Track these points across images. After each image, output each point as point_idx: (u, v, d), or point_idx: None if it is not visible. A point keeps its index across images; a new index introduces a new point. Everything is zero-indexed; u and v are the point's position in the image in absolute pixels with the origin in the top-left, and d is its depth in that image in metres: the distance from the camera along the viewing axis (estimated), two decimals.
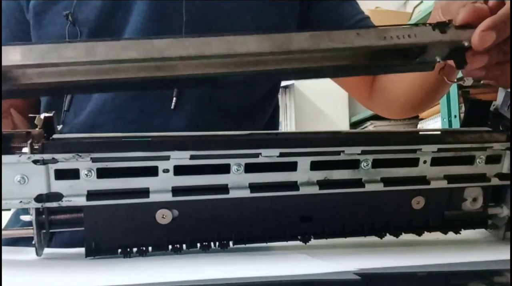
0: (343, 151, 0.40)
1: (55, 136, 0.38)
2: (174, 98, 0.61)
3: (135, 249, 0.40)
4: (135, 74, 0.37)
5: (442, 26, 0.38)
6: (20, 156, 0.35)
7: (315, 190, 0.40)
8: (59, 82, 0.36)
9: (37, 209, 0.38)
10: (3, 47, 0.34)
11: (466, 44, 0.39)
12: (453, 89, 1.58)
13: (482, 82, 0.43)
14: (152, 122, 0.61)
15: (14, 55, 0.33)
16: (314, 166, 0.40)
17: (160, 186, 0.38)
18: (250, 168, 0.39)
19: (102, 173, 0.37)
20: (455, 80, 0.47)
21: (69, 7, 0.61)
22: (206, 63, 0.37)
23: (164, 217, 0.39)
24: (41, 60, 0.33)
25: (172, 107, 0.61)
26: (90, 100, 0.62)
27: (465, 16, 0.39)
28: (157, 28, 0.61)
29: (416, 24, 0.39)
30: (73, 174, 0.37)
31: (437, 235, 0.45)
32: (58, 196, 0.37)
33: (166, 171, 0.38)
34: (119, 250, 0.39)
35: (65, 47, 0.34)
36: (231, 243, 0.41)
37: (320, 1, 0.71)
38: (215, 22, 0.63)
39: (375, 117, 2.21)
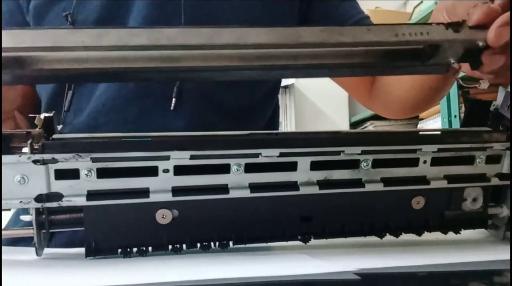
0: (343, 151, 0.40)
1: (55, 136, 0.38)
2: (174, 99, 0.61)
3: (135, 249, 0.39)
4: (144, 64, 0.37)
5: (455, 26, 0.38)
6: (20, 156, 0.35)
7: (315, 190, 0.40)
8: (68, 69, 0.36)
9: (37, 209, 0.38)
10: (15, 31, 0.34)
11: (480, 44, 0.38)
12: (453, 89, 1.58)
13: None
14: (151, 122, 0.61)
15: (26, 38, 0.33)
16: (314, 166, 0.40)
17: (160, 186, 0.38)
18: (250, 168, 0.39)
19: (102, 173, 0.37)
20: (460, 80, 0.46)
21: (68, 7, 0.61)
22: (214, 56, 0.37)
23: (164, 217, 0.39)
24: (53, 43, 0.34)
25: (172, 107, 0.61)
26: (90, 100, 0.62)
27: (480, 16, 0.38)
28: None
29: (428, 24, 0.38)
30: (73, 174, 0.37)
31: (437, 235, 0.45)
32: (58, 196, 0.37)
33: (166, 171, 0.38)
34: (119, 250, 0.39)
35: (78, 32, 0.34)
36: (231, 243, 0.41)
37: (320, 1, 0.71)
38: (214, 22, 0.63)
39: (375, 117, 2.21)
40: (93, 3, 0.61)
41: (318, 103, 2.43)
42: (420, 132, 0.45)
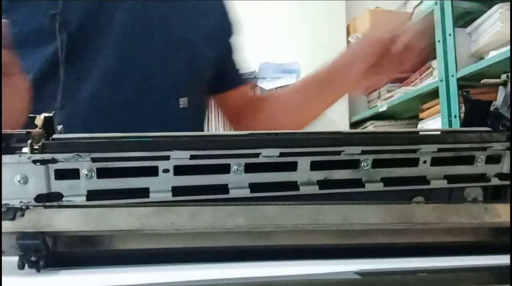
0: (343, 151, 0.40)
1: (55, 136, 0.38)
2: None
3: None
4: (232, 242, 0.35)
5: None
6: (20, 156, 0.35)
7: (315, 190, 0.40)
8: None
9: None
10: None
11: None
12: (453, 89, 1.58)
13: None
14: None
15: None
16: (314, 166, 0.40)
17: (160, 186, 0.38)
18: (250, 168, 0.39)
19: (102, 173, 0.37)
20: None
21: (52, 6, 0.62)
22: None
23: None
24: (139, 226, 0.33)
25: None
26: (79, 102, 0.63)
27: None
28: (139, 30, 0.64)
29: None
30: (73, 174, 0.37)
31: None
32: (58, 196, 0.37)
33: (166, 171, 0.38)
34: None
35: (168, 211, 0.33)
36: None
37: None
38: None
39: (375, 117, 2.21)
40: (79, 3, 0.63)
41: None
42: (420, 133, 0.45)
